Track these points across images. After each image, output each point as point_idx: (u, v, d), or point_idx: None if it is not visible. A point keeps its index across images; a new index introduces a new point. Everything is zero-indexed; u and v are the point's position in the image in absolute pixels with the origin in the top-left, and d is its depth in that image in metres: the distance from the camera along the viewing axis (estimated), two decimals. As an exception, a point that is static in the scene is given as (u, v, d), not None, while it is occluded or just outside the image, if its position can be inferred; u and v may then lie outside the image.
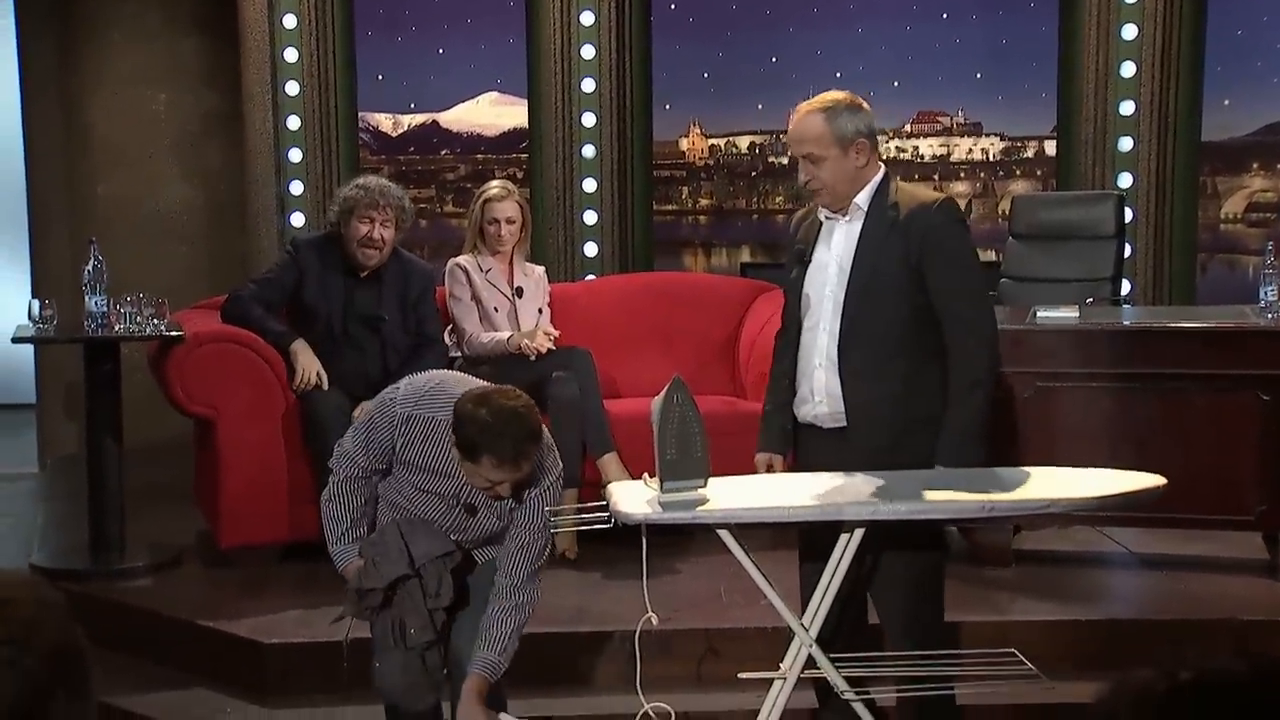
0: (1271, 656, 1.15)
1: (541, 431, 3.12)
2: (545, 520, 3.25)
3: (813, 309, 3.38)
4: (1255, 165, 6.56)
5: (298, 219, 6.72)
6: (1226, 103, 6.47)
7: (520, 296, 5.16)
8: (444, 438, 3.14)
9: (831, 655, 3.17)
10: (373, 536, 3.33)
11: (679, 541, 4.69)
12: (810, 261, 3.40)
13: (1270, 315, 4.58)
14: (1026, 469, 3.39)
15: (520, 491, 3.20)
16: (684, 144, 6.93)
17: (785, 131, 6.76)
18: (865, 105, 3.36)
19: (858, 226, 3.34)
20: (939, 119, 6.76)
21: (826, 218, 3.40)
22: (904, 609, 3.34)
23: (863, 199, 3.34)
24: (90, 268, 4.73)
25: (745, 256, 6.96)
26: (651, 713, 3.20)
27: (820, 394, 3.36)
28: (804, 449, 3.45)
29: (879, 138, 3.42)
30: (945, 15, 6.67)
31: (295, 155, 6.72)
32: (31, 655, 1.15)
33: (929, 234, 3.28)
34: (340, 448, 3.34)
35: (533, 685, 3.99)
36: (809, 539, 3.38)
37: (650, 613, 3.18)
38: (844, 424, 3.34)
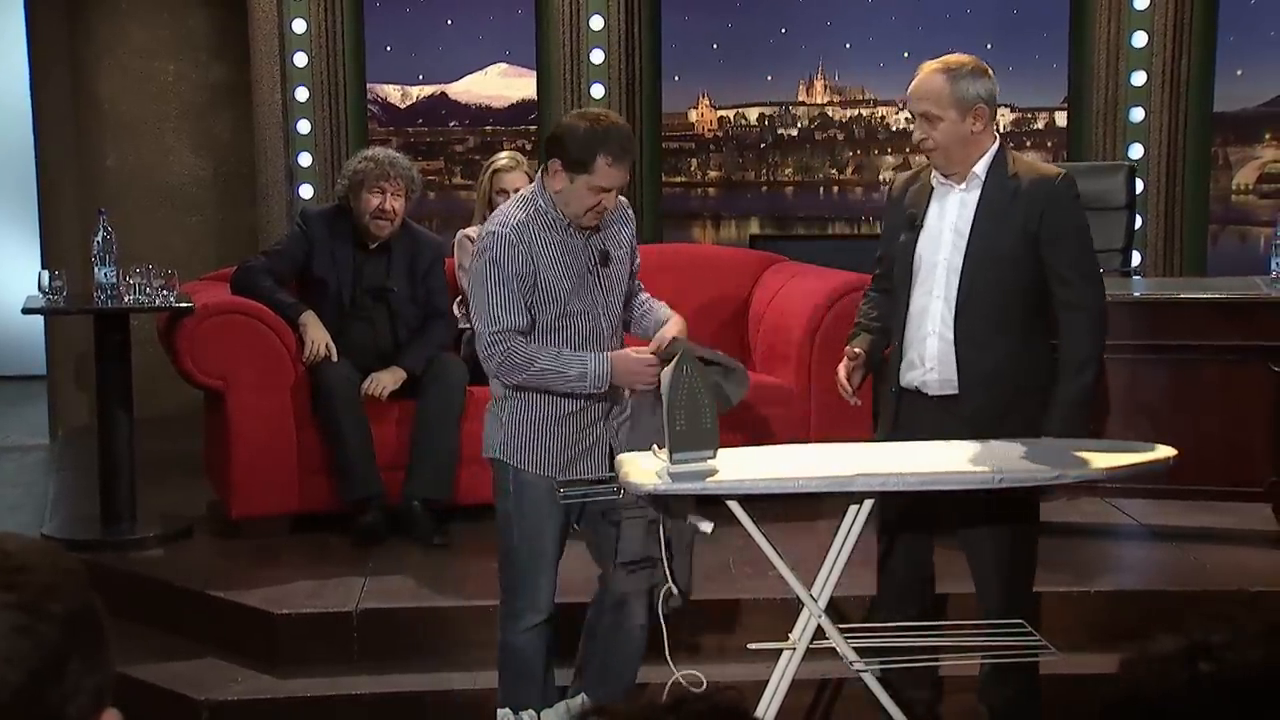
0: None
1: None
2: (631, 216, 3.49)
3: (924, 276, 3.39)
4: (1267, 136, 6.53)
5: (306, 190, 6.71)
6: (1239, 73, 6.43)
7: (529, 268, 5.15)
8: (544, 220, 3.30)
9: (842, 627, 3.18)
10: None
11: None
12: (922, 227, 3.39)
13: (1281, 287, 4.56)
14: (1036, 440, 3.39)
15: (621, 223, 3.43)
16: (693, 116, 6.91)
17: (794, 103, 6.82)
18: (989, 71, 3.37)
19: (975, 195, 3.36)
20: (949, 90, 6.72)
21: (940, 183, 3.40)
22: (1000, 587, 3.35)
23: (980, 168, 3.36)
24: (99, 239, 4.73)
25: (754, 228, 6.94)
26: (683, 679, 3.21)
27: (931, 360, 3.37)
28: (907, 415, 3.43)
29: (996, 108, 3.43)
30: (956, -15, 6.64)
31: (304, 127, 6.71)
32: (47, 622, 1.15)
33: (1050, 207, 3.30)
34: (491, 339, 3.30)
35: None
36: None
37: (670, 583, 3.19)
38: (953, 392, 3.36)
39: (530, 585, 3.44)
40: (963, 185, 3.37)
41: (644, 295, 3.61)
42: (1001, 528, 3.34)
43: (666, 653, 3.24)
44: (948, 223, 3.37)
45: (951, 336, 3.34)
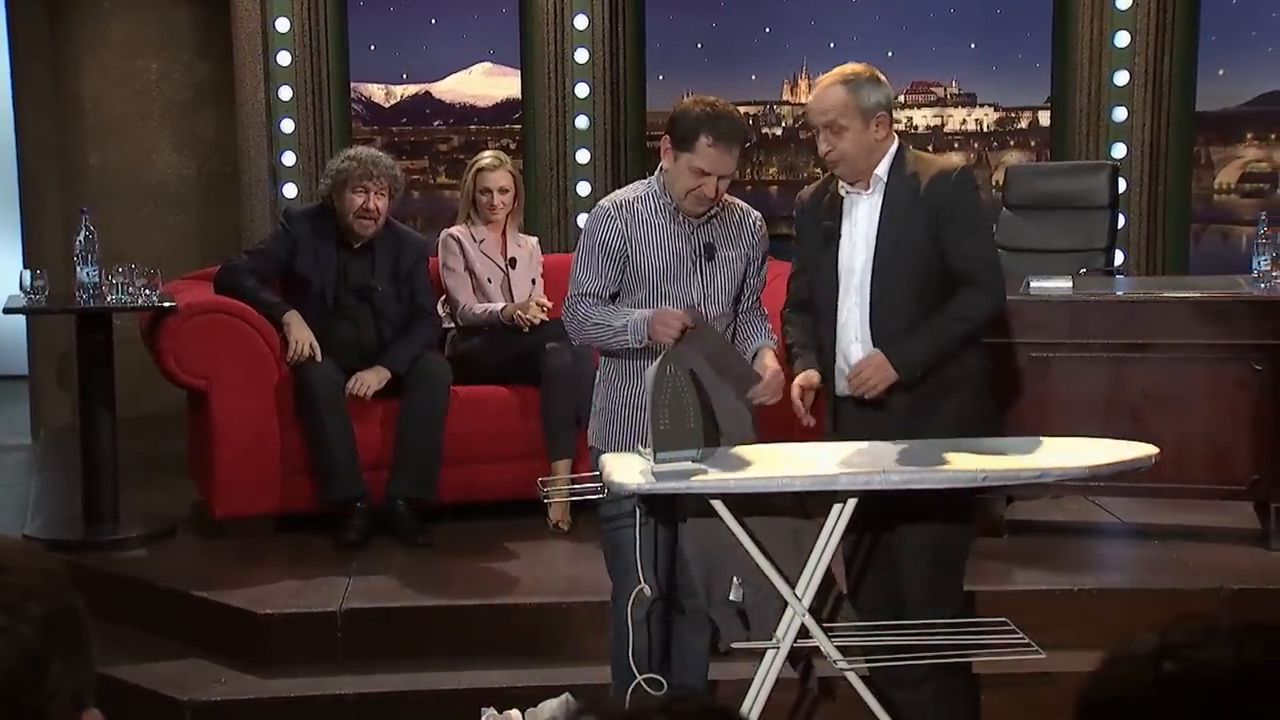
0: (1258, 633, 1.15)
1: (748, 138, 3.44)
2: (765, 257, 3.51)
3: (845, 285, 3.42)
4: (1249, 135, 6.55)
5: (290, 190, 6.70)
6: (1221, 73, 6.45)
7: (513, 267, 5.15)
8: (653, 202, 3.37)
9: (825, 625, 3.19)
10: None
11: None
12: (839, 238, 3.42)
13: (1263, 285, 4.58)
14: (1020, 439, 3.40)
15: (737, 223, 3.45)
16: (677, 114, 6.90)
17: (779, 102, 6.82)
18: (884, 78, 3.43)
19: (879, 199, 3.39)
20: (933, 89, 6.74)
21: (847, 192, 3.43)
22: (923, 578, 3.36)
23: (882, 170, 3.40)
24: (82, 238, 4.71)
25: (739, 227, 6.93)
26: (644, 684, 3.21)
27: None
28: (846, 422, 3.46)
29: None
30: (939, -15, 6.65)
31: (287, 126, 6.69)
32: (27, 623, 1.15)
33: (948, 201, 3.35)
34: (569, 301, 3.41)
35: (527, 655, 4.01)
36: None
37: (642, 583, 3.19)
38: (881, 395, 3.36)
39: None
40: (868, 190, 3.41)
41: (765, 324, 3.56)
42: (938, 523, 3.36)
43: (630, 655, 3.24)
44: (859, 231, 3.41)
45: (871, 341, 3.37)
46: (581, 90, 6.68)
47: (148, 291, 4.70)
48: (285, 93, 6.67)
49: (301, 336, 4.71)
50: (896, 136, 3.44)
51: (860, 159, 3.37)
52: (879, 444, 3.24)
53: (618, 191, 3.52)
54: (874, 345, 3.36)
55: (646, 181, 3.49)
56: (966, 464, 3.12)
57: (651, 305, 3.35)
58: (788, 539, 3.22)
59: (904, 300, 3.35)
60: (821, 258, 3.45)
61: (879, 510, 3.30)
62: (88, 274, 4.68)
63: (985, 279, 3.37)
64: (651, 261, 3.37)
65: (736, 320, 3.52)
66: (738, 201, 3.56)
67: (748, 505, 3.14)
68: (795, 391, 3.43)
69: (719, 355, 3.30)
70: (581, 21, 6.65)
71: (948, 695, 3.41)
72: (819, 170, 6.95)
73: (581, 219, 6.72)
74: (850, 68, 3.40)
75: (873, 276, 3.36)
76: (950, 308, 3.35)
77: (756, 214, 3.54)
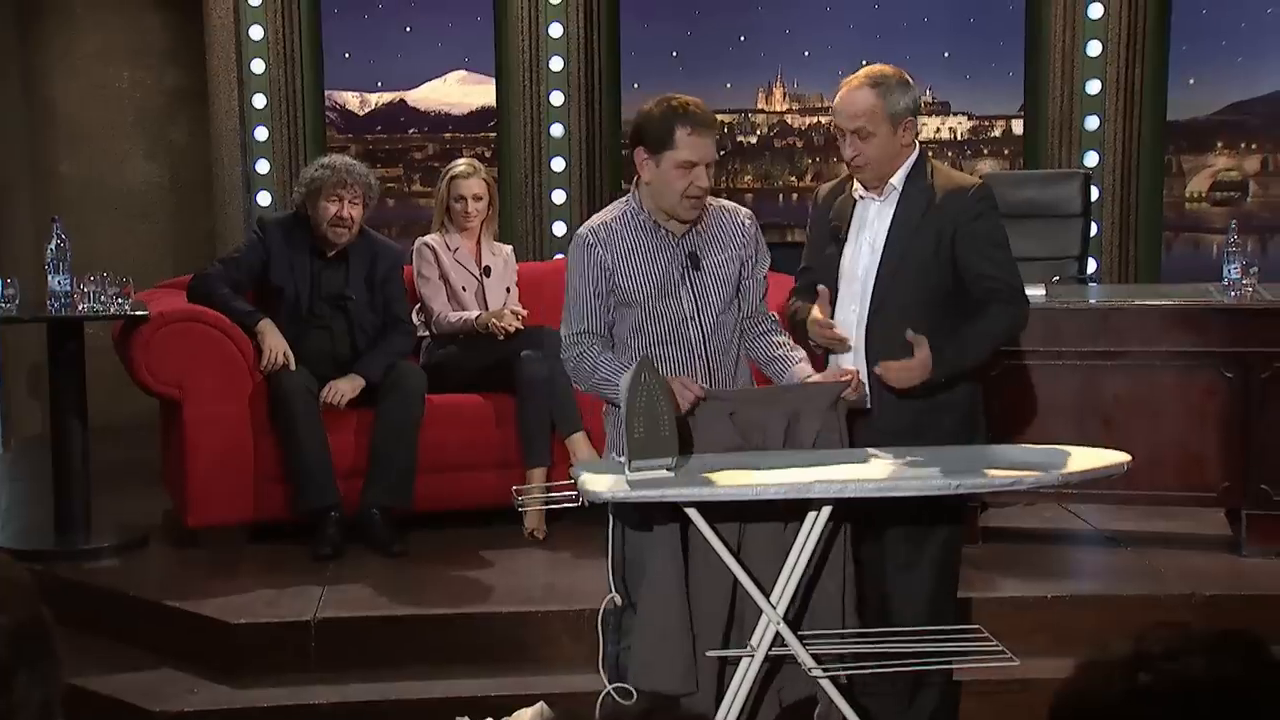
0: (1227, 643, 1.15)
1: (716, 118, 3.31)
2: (763, 253, 3.38)
3: (845, 289, 3.38)
4: (1219, 145, 6.61)
5: (264, 198, 6.68)
6: (1191, 82, 6.50)
7: (488, 276, 5.14)
8: (631, 221, 3.29)
9: (800, 633, 3.19)
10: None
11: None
12: (846, 240, 3.39)
13: (1234, 294, 4.61)
14: (993, 446, 3.41)
15: (722, 225, 3.34)
16: (652, 123, 6.90)
17: (754, 110, 6.83)
18: (912, 80, 3.36)
19: (891, 208, 3.35)
20: (907, 98, 6.76)
21: (861, 196, 3.39)
22: (922, 588, 3.36)
23: (898, 179, 3.35)
24: (53, 246, 4.68)
25: (714, 235, 6.94)
26: (614, 694, 3.21)
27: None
28: None
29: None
30: (913, -6, 6.68)
31: (261, 134, 6.67)
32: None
33: (967, 216, 3.30)
34: (567, 341, 3.31)
35: (502, 663, 4.00)
36: None
37: (613, 592, 3.19)
38: (868, 406, 3.34)
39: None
40: (882, 197, 3.38)
41: (781, 337, 3.42)
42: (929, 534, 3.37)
43: (600, 664, 3.24)
44: (866, 236, 3.38)
45: (864, 352, 3.34)
46: (556, 98, 6.69)
47: (120, 300, 4.67)
48: (259, 100, 6.65)
49: (275, 345, 4.70)
50: (918, 144, 3.39)
51: (885, 164, 3.32)
52: (854, 451, 3.24)
53: (594, 217, 3.41)
54: (866, 354, 3.33)
55: (623, 201, 3.39)
56: (941, 472, 3.12)
57: (646, 323, 3.30)
58: (765, 546, 3.21)
59: (902, 314, 3.30)
60: (827, 259, 3.41)
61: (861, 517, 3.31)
62: (59, 282, 4.65)
63: (1009, 297, 3.35)
64: (638, 283, 3.29)
65: (744, 335, 3.40)
66: (723, 202, 3.45)
67: (723, 513, 3.13)
68: (816, 312, 3.32)
69: (765, 399, 3.22)
70: (556, 30, 6.65)
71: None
72: (793, 178, 6.99)
73: (558, 227, 6.73)
74: (879, 69, 3.33)
75: (875, 285, 3.33)
76: (979, 324, 3.31)
77: (745, 211, 3.43)
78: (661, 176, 3.25)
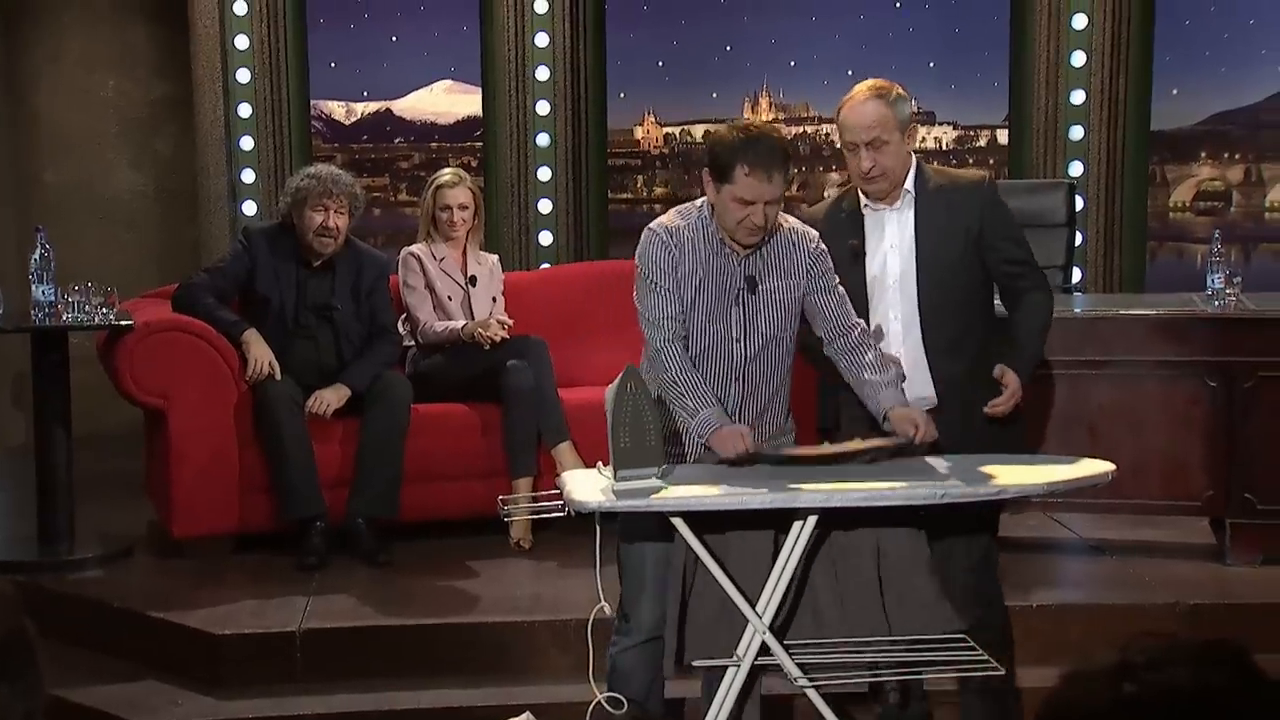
0: (1212, 653, 1.15)
1: (790, 157, 3.24)
2: (830, 270, 3.32)
3: (876, 298, 3.43)
4: (1203, 154, 6.64)
5: (249, 207, 6.67)
6: (1175, 92, 6.53)
7: (474, 285, 5.14)
8: (700, 231, 3.25)
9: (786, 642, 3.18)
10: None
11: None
12: (865, 254, 3.43)
13: (1217, 303, 4.63)
14: (978, 455, 3.41)
15: (787, 250, 3.29)
16: (638, 132, 6.93)
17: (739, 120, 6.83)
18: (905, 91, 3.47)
19: (910, 212, 3.42)
20: (892, 108, 6.78)
21: (872, 209, 3.43)
22: (967, 593, 3.36)
23: (909, 184, 3.43)
24: (37, 256, 4.67)
25: (700, 245, 6.95)
26: (605, 703, 3.20)
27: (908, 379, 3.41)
28: (848, 425, 3.46)
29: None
30: (898, 4, 6.71)
31: (247, 143, 6.67)
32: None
33: (988, 209, 3.42)
34: (652, 332, 3.27)
35: (488, 674, 4.00)
36: None
37: (603, 601, 3.19)
38: (930, 405, 3.38)
39: (630, 604, 3.34)
40: (896, 204, 3.43)
41: (869, 356, 3.31)
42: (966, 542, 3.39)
43: (590, 674, 3.24)
44: (889, 244, 3.43)
45: (921, 352, 3.41)
46: (543, 108, 6.69)
47: (104, 310, 4.66)
48: (245, 110, 6.64)
49: (260, 355, 4.69)
50: (912, 152, 3.48)
51: (899, 172, 3.40)
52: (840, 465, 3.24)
53: (664, 217, 3.34)
54: (926, 356, 3.40)
55: (694, 206, 3.32)
56: (925, 481, 3.12)
57: (692, 335, 3.29)
58: (751, 556, 3.21)
59: (956, 310, 3.40)
60: (848, 275, 3.41)
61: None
62: (43, 292, 4.64)
63: (1039, 280, 3.48)
64: (693, 295, 3.26)
65: (832, 350, 3.33)
66: (793, 222, 3.35)
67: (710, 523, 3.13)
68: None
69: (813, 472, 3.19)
70: (543, 39, 6.66)
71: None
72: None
73: (543, 237, 6.73)
74: (877, 82, 3.41)
75: (919, 289, 3.39)
76: (1027, 317, 3.44)
77: (813, 233, 3.33)
78: (722, 203, 3.22)
